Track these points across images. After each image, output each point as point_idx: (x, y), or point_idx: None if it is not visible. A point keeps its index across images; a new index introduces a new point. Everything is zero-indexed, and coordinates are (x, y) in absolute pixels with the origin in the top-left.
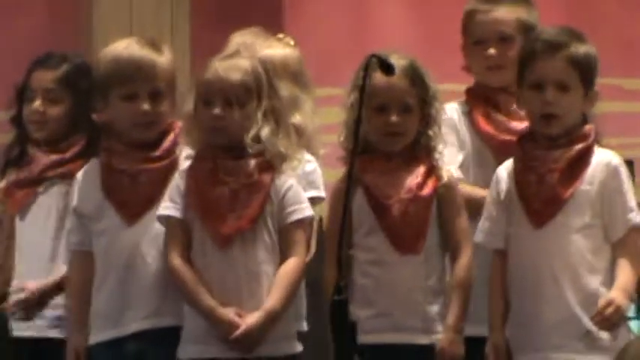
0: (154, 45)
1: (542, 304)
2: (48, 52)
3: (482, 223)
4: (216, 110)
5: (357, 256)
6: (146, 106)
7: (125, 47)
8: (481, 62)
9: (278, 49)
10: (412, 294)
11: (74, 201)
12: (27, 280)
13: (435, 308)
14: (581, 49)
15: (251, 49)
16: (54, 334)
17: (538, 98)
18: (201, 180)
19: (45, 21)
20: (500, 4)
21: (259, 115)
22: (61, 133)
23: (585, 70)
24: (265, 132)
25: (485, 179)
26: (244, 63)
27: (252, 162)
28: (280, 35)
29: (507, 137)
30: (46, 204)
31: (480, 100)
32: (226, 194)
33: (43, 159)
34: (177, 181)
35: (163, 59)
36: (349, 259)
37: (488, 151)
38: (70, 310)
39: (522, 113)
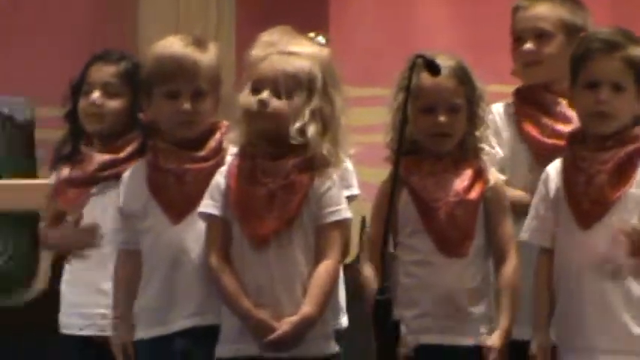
0: (198, 43)
1: (586, 306)
2: (106, 49)
3: (530, 222)
4: (263, 95)
5: (400, 256)
6: (187, 105)
7: (168, 45)
8: (519, 58)
9: (305, 47)
10: (457, 295)
11: (120, 201)
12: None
13: (479, 310)
14: (637, 50)
15: (277, 47)
16: (93, 331)
17: (592, 97)
18: (240, 179)
19: (91, 17)
20: (544, 1)
21: (307, 111)
22: (117, 129)
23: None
24: (311, 130)
25: (519, 180)
26: (300, 60)
27: (291, 162)
28: (311, 34)
29: (551, 140)
30: (100, 206)
31: (527, 101)
32: (264, 194)
33: (96, 158)
34: (218, 180)
35: (206, 58)
36: (393, 258)
37: (525, 152)
38: (116, 306)
39: (567, 115)
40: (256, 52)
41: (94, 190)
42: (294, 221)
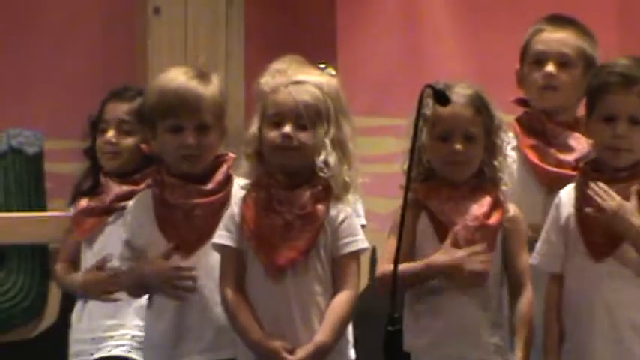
0: (201, 75)
1: (596, 338)
2: (124, 85)
3: (541, 247)
4: (287, 129)
5: None
6: (191, 140)
7: (171, 79)
8: (536, 81)
9: (314, 76)
10: (471, 324)
11: (126, 233)
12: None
13: (494, 339)
14: None
15: (286, 75)
16: (104, 352)
17: (609, 131)
18: (256, 210)
19: (100, 51)
20: (568, 28)
21: (327, 141)
22: (133, 165)
23: None
24: (333, 159)
25: (531, 208)
26: (314, 89)
27: (307, 193)
28: (322, 65)
29: (555, 169)
30: (116, 234)
31: (530, 131)
32: (280, 225)
33: (115, 189)
34: (232, 210)
35: (209, 91)
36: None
37: (534, 181)
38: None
39: (569, 145)
40: (266, 80)
41: (110, 219)
42: (310, 251)
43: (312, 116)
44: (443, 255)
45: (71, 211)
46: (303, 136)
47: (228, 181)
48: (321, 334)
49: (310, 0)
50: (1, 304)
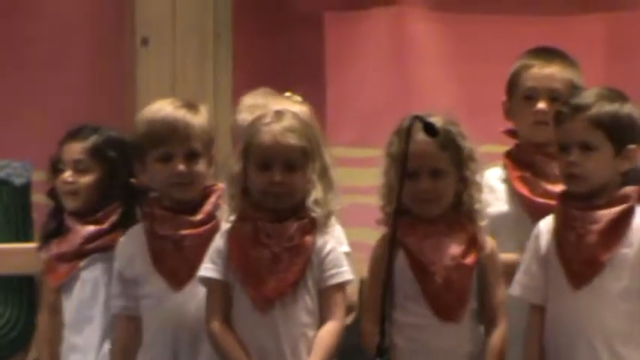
0: (190, 106)
1: None
2: (81, 125)
3: (521, 277)
4: (278, 177)
5: (396, 318)
6: (182, 167)
7: (159, 109)
8: (528, 117)
9: (289, 106)
10: (451, 358)
11: (118, 266)
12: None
13: None
14: (606, 107)
15: (266, 109)
16: None
17: (564, 159)
18: (242, 242)
19: (88, 83)
20: (555, 62)
21: (315, 177)
22: (94, 202)
23: (613, 129)
24: (321, 196)
25: (521, 240)
26: (297, 125)
27: (295, 225)
28: (288, 94)
29: (544, 200)
30: (91, 280)
31: (518, 163)
32: (267, 257)
33: (81, 231)
34: (217, 243)
35: (198, 120)
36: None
37: (524, 212)
38: None
39: (559, 175)
40: (243, 117)
41: (82, 263)
42: (298, 283)
43: (300, 158)
44: None
45: (43, 256)
46: (293, 179)
47: (216, 211)
48: None
49: (298, 31)
50: None
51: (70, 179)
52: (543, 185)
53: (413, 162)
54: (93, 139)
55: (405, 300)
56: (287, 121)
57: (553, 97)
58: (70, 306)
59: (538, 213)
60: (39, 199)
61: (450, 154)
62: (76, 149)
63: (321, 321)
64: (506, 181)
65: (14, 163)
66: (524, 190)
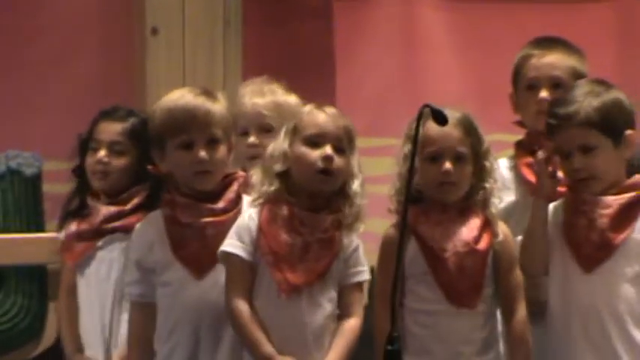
0: (208, 93)
1: (588, 351)
2: (114, 105)
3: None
4: (329, 150)
5: (408, 305)
6: (203, 154)
7: (179, 97)
8: (532, 106)
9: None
10: (466, 346)
11: (135, 254)
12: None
13: (488, 358)
14: (593, 104)
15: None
16: None
17: (568, 168)
18: (276, 226)
19: (99, 73)
20: (555, 50)
21: (356, 167)
22: (122, 185)
23: (605, 123)
24: (360, 185)
25: None
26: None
27: (329, 218)
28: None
29: None
30: (107, 260)
31: (528, 151)
32: (299, 245)
33: (102, 210)
34: (246, 221)
35: (218, 106)
36: (400, 308)
37: (530, 201)
38: None
39: None
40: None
41: (100, 243)
42: (325, 276)
43: (348, 141)
44: None
45: (62, 235)
46: (340, 161)
47: (238, 199)
48: (332, 358)
49: (308, 20)
50: (0, 326)
51: (105, 159)
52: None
53: (437, 145)
54: (132, 121)
55: (416, 286)
56: (331, 108)
57: (555, 84)
58: (84, 285)
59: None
60: (49, 189)
61: (471, 142)
62: (113, 130)
63: (341, 317)
64: (515, 169)
65: (25, 153)
66: (531, 176)
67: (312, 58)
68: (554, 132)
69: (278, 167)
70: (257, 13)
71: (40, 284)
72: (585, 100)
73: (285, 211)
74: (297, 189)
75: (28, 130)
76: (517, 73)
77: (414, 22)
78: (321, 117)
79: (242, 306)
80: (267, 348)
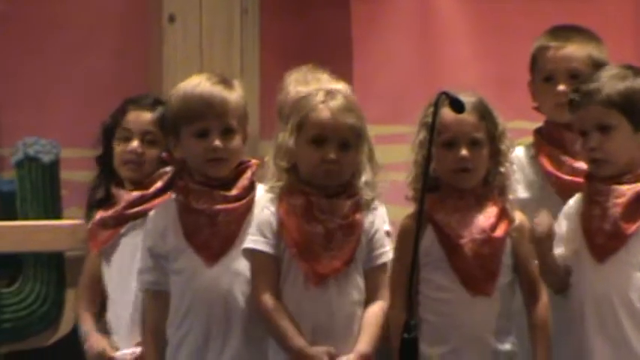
0: (225, 81)
1: (601, 340)
2: (139, 94)
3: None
4: (332, 154)
5: (425, 292)
6: (218, 142)
7: (196, 84)
8: (550, 99)
9: (335, 84)
10: (483, 334)
11: (148, 241)
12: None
13: (505, 347)
14: (618, 86)
15: (313, 85)
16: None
17: (585, 146)
18: (297, 217)
19: (116, 61)
20: (571, 40)
21: (365, 158)
22: (151, 174)
23: (627, 106)
24: (369, 175)
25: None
26: (352, 105)
27: (348, 202)
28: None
29: (571, 178)
30: (130, 247)
31: (547, 140)
32: (321, 232)
33: (125, 196)
34: (265, 216)
35: (234, 95)
36: (416, 295)
37: (549, 191)
38: (146, 348)
39: None
40: (291, 89)
41: (123, 230)
42: (350, 262)
43: (354, 138)
44: None
45: (88, 226)
46: (346, 158)
47: (252, 187)
48: (363, 344)
49: (326, 8)
50: (18, 313)
51: (139, 150)
52: (569, 162)
53: (453, 131)
54: (160, 110)
55: (433, 274)
56: (343, 100)
57: (573, 75)
58: (108, 272)
59: (564, 190)
60: (67, 176)
61: (486, 126)
62: (144, 119)
63: (369, 299)
64: (532, 157)
65: (42, 140)
66: (549, 167)
67: (329, 46)
68: (575, 108)
69: (284, 164)
70: (275, 1)
71: (57, 271)
72: (611, 80)
73: (301, 200)
74: (309, 178)
75: (46, 117)
76: (534, 64)
77: (432, 10)
78: (325, 114)
79: (270, 300)
80: (299, 341)
